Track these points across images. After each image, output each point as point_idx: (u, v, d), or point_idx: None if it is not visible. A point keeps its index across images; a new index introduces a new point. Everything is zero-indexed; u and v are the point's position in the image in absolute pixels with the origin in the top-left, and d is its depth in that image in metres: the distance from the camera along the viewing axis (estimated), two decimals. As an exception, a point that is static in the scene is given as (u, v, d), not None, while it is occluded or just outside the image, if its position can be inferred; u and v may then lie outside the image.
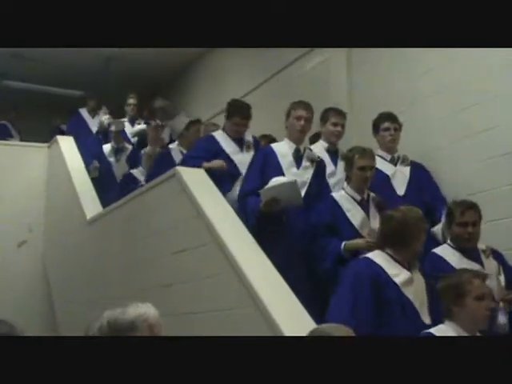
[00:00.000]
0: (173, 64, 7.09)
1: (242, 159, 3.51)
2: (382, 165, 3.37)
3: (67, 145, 5.95)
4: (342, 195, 3.09)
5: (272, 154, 3.24)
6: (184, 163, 3.60)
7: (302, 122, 3.23)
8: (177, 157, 4.21)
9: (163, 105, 5.69)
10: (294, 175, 3.17)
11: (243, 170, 3.44)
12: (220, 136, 3.60)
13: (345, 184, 3.15)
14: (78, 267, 5.10)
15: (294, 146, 3.28)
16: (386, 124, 3.43)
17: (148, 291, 3.60)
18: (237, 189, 3.34)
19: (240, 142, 3.59)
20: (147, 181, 4.14)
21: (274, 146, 3.33)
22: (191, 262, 3.24)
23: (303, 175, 3.24)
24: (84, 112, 6.42)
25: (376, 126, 3.50)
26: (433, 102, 3.80)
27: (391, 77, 4.15)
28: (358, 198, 3.05)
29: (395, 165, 3.43)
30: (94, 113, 6.36)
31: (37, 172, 6.23)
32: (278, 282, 2.74)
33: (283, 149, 3.26)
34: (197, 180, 3.39)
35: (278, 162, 3.22)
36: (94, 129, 6.21)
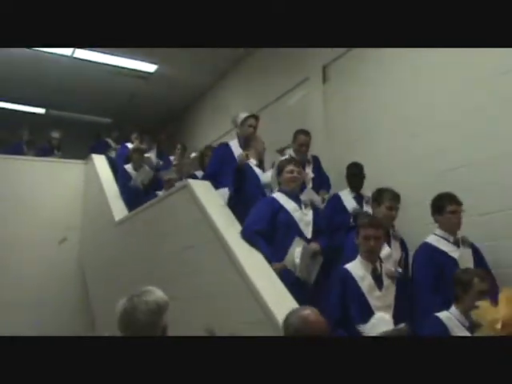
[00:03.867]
0: (185, 98, 7.26)
1: (302, 217, 3.14)
2: (447, 247, 2.94)
3: (100, 162, 6.21)
4: (450, 319, 2.43)
5: (350, 279, 2.63)
6: (250, 225, 3.12)
7: (372, 243, 2.64)
8: (236, 151, 3.81)
9: (191, 162, 5.20)
10: (377, 299, 2.60)
11: (303, 227, 3.11)
12: (279, 196, 3.20)
13: (452, 307, 2.46)
14: (108, 261, 5.23)
15: (370, 266, 2.67)
16: (453, 207, 2.94)
17: (165, 280, 3.62)
18: (296, 250, 2.94)
19: (297, 200, 3.21)
20: (205, 177, 3.86)
21: (349, 267, 2.67)
22: (198, 256, 3.33)
23: (387, 297, 2.64)
24: (109, 141, 6.65)
25: (440, 208, 2.98)
26: (387, 132, 3.98)
27: (359, 107, 4.29)
28: (467, 323, 2.40)
29: (458, 246, 2.96)
30: (116, 141, 6.55)
31: (75, 183, 6.46)
32: (267, 271, 2.85)
33: (360, 271, 2.65)
34: (204, 191, 3.51)
35: (357, 287, 2.61)
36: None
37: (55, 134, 6.83)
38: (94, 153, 6.49)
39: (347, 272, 2.66)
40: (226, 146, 3.94)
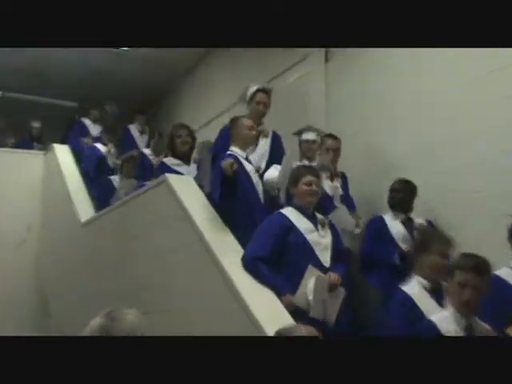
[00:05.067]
0: (161, 78, 6.96)
1: (319, 239, 2.74)
2: None
3: (63, 153, 5.90)
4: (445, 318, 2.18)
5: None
6: (250, 251, 2.72)
7: (470, 293, 2.11)
8: None
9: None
10: None
11: (319, 252, 2.70)
12: (290, 212, 2.79)
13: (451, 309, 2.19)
14: (72, 265, 5.04)
15: (464, 322, 2.18)
16: None
17: (137, 288, 3.56)
18: (309, 284, 2.55)
19: (313, 218, 2.81)
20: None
21: (437, 321, 2.22)
22: (177, 261, 3.20)
23: None
24: (86, 120, 6.22)
25: None
26: (399, 120, 3.78)
27: (366, 87, 4.12)
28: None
29: None
30: (96, 122, 6.05)
31: (34, 177, 6.16)
32: (258, 283, 2.69)
33: (451, 326, 2.20)
34: (185, 187, 3.33)
35: None
36: (95, 132, 5.92)
37: (36, 124, 6.41)
38: (71, 139, 6.03)
39: (434, 328, 2.17)
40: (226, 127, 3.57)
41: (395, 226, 3.22)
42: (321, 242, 2.74)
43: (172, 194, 3.29)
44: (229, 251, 2.85)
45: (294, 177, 2.89)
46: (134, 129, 5.79)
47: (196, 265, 3.02)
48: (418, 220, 3.23)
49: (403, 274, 2.63)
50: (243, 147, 3.23)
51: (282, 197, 3.15)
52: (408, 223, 3.23)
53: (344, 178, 3.71)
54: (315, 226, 2.77)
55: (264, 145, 3.63)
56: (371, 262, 3.17)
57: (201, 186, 3.38)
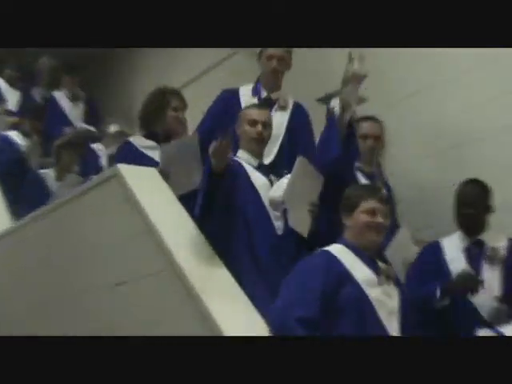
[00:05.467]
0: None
1: (384, 299, 2.20)
2: None
3: None
4: None
5: None
6: (286, 308, 2.19)
7: None
8: (248, 101, 3.20)
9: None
10: None
11: (385, 318, 2.15)
12: (341, 253, 2.23)
13: None
14: None
15: None
16: None
17: (75, 327, 2.97)
18: None
19: (373, 265, 2.26)
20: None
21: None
22: (135, 293, 2.69)
23: None
24: None
25: None
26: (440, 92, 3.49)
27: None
28: None
29: None
30: (14, 85, 4.95)
31: None
32: (250, 317, 2.26)
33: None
34: (145, 182, 2.81)
35: None
36: (13, 99, 4.92)
37: None
38: None
39: None
40: (235, 92, 3.09)
41: (456, 256, 2.63)
42: (387, 303, 2.14)
43: (127, 195, 2.76)
44: (213, 282, 2.41)
45: (349, 201, 2.30)
46: (61, 96, 4.74)
47: (162, 301, 2.54)
48: (494, 244, 2.62)
49: (463, 325, 2.38)
50: (251, 150, 2.69)
51: (293, 221, 2.50)
52: (477, 248, 2.64)
53: (388, 188, 3.09)
54: (377, 273, 2.20)
55: (279, 120, 2.94)
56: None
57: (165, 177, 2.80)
